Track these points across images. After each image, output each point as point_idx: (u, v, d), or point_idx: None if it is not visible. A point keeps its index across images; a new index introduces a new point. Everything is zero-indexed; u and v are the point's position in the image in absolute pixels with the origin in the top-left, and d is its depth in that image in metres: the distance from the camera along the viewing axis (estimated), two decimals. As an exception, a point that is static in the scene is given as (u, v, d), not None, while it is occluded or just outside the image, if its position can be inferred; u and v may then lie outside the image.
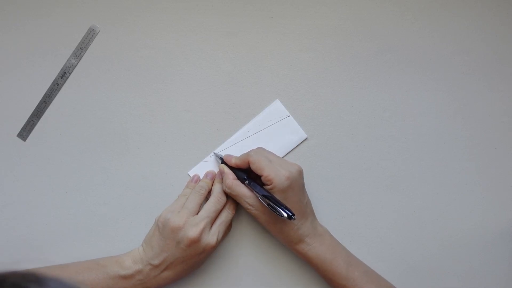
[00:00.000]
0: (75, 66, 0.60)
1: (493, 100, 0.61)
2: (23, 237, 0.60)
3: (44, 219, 0.60)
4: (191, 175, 0.60)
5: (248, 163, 0.55)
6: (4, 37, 0.60)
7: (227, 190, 0.56)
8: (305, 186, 0.56)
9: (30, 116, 0.60)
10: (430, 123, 0.61)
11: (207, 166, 0.60)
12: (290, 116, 0.60)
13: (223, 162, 0.58)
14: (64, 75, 0.60)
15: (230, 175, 0.56)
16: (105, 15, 0.60)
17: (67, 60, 0.60)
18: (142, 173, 0.60)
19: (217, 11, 0.60)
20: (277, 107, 0.60)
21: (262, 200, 0.52)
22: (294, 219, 0.50)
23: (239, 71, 0.61)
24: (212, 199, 0.56)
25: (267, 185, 0.53)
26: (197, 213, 0.55)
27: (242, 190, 0.55)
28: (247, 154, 0.56)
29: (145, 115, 0.60)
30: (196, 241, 0.53)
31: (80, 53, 0.60)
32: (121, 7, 0.60)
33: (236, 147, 0.60)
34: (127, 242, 0.59)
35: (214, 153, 0.60)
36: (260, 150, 0.56)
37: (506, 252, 0.60)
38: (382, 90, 0.61)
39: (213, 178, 0.59)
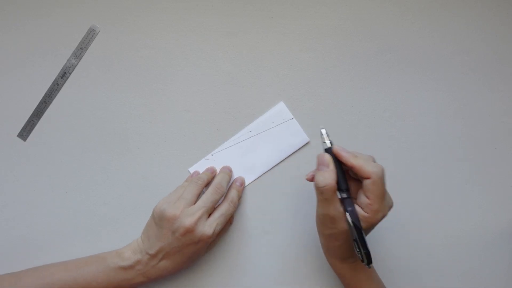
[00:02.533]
0: (75, 66, 0.60)
1: (493, 100, 0.61)
2: (23, 237, 0.60)
3: (44, 219, 0.60)
4: (192, 172, 0.60)
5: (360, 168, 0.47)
6: (4, 37, 0.60)
7: (317, 186, 0.48)
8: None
9: (30, 116, 0.60)
10: (430, 123, 0.61)
11: (208, 164, 0.60)
12: (293, 118, 0.60)
13: (327, 150, 0.50)
14: (64, 75, 0.60)
15: (333, 174, 0.48)
16: (105, 15, 0.60)
17: (67, 60, 0.60)
18: (142, 173, 0.60)
19: (217, 11, 0.60)
20: (281, 109, 0.60)
21: (350, 229, 0.47)
22: (370, 267, 0.47)
23: (239, 71, 0.61)
24: (210, 189, 0.56)
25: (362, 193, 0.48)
26: (194, 204, 0.55)
27: (334, 199, 0.48)
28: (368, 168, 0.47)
29: (145, 115, 0.60)
30: (191, 231, 0.53)
31: (80, 53, 0.60)
32: (121, 7, 0.60)
33: (236, 147, 0.60)
34: (127, 242, 0.59)
35: (325, 130, 0.51)
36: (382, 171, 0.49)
37: (506, 252, 0.60)
38: (382, 90, 0.61)
39: (213, 173, 0.59)
